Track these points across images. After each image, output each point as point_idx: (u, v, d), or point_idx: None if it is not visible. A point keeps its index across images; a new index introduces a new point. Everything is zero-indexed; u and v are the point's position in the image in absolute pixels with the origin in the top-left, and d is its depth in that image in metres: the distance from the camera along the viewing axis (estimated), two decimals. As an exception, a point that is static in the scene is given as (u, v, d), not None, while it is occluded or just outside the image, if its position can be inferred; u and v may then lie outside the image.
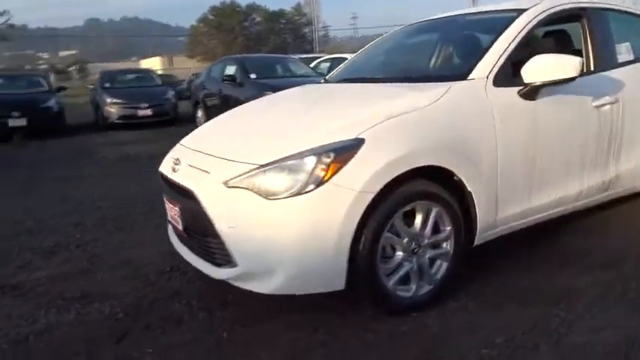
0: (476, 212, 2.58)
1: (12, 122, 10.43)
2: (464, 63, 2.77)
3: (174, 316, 2.60)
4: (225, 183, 2.29)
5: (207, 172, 2.44)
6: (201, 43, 52.26)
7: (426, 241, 2.48)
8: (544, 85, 2.70)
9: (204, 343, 2.34)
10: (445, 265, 2.57)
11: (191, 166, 2.59)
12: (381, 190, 2.24)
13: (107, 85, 12.68)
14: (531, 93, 2.73)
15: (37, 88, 11.93)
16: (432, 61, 3.49)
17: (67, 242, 3.85)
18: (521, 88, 2.71)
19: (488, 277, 2.83)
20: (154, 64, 50.14)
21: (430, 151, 2.39)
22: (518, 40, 2.80)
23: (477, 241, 2.67)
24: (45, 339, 2.45)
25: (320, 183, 2.17)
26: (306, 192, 2.17)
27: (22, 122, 10.43)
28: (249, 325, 2.47)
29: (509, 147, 2.65)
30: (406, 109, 2.46)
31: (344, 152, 2.22)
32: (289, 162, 2.22)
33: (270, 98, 3.35)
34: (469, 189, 2.52)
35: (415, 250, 2.45)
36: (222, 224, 2.29)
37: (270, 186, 2.21)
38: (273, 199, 2.18)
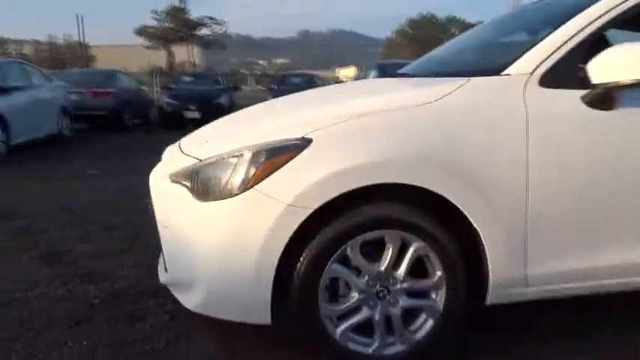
0: (487, 259, 1.85)
1: (188, 114, 11.80)
2: (505, 55, 2.02)
3: (139, 313, 2.44)
4: (170, 176, 2.01)
5: (164, 166, 2.20)
6: (394, 54, 52.94)
7: (399, 285, 1.84)
8: (627, 86, 1.81)
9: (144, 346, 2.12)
10: (430, 323, 1.89)
11: (163, 161, 2.39)
12: (324, 207, 1.72)
13: (273, 86, 13.59)
14: (604, 99, 1.86)
15: (214, 86, 13.35)
16: (477, 54, 2.69)
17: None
18: (587, 92, 1.87)
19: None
20: (349, 72, 52.78)
21: (407, 163, 1.77)
22: (591, 30, 1.93)
23: (492, 299, 1.92)
24: (19, 307, 2.51)
25: (245, 188, 1.75)
26: (232, 196, 1.77)
27: (196, 115, 11.69)
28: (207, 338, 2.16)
29: (552, 174, 1.84)
30: (390, 106, 1.87)
31: (279, 153, 1.76)
32: (222, 159, 1.85)
33: (281, 98, 2.96)
34: (475, 225, 1.81)
35: (381, 294, 1.84)
36: (159, 221, 2.03)
37: (202, 184, 1.86)
38: (203, 201, 1.84)
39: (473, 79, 1.93)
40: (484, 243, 1.83)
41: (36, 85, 8.38)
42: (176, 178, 1.97)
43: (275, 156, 1.76)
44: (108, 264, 3.10)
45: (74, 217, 4.21)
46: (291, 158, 1.74)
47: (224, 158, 1.84)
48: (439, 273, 1.85)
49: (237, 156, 1.81)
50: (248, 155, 1.79)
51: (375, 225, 1.78)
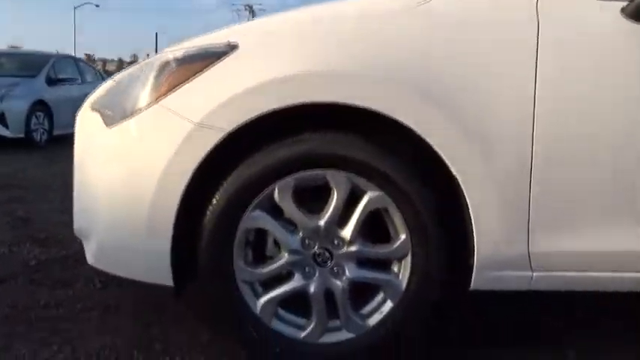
0: (472, 226, 1.33)
1: None
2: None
3: (71, 278, 2.09)
4: (91, 105, 1.66)
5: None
6: None
7: (345, 248, 1.36)
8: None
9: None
10: (389, 305, 1.38)
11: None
12: (244, 130, 1.29)
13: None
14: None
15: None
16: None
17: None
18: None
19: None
20: None
21: (365, 79, 1.29)
22: None
23: (478, 283, 1.38)
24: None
25: (149, 104, 1.36)
26: (133, 116, 1.39)
27: None
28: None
29: (571, 113, 1.31)
30: (356, 12, 1.41)
31: (193, 61, 1.35)
32: (133, 72, 1.47)
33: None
34: (456, 177, 1.31)
35: (320, 259, 1.36)
36: (75, 157, 1.67)
37: (111, 104, 1.49)
38: (110, 125, 1.46)
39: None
40: (468, 203, 1.31)
41: (87, 81, 8.55)
42: (94, 105, 1.61)
43: (188, 64, 1.35)
44: (70, 232, 2.80)
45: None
46: (206, 67, 1.33)
47: (134, 69, 1.47)
48: (403, 237, 1.34)
49: (144, 65, 1.43)
50: (157, 63, 1.40)
51: (313, 161, 1.32)
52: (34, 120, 6.93)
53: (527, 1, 1.34)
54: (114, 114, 1.44)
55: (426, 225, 1.33)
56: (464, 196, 1.31)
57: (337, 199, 1.33)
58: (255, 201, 1.32)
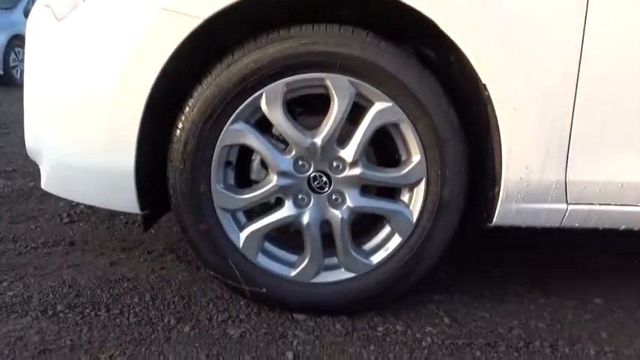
0: (500, 144, 1.09)
1: None
2: None
3: (36, 212, 1.86)
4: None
5: None
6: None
7: (347, 171, 1.12)
8: None
9: None
10: (397, 240, 1.16)
11: None
12: (221, 17, 1.03)
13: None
14: None
15: None
16: None
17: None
18: None
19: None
20: None
21: None
22: None
23: (501, 216, 1.16)
24: None
25: (104, -14, 1.08)
26: (85, 3, 1.12)
27: None
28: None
29: (625, 24, 1.05)
30: None
31: None
32: None
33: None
34: (485, 83, 1.06)
35: (316, 184, 1.14)
36: (25, 63, 1.39)
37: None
38: (61, 19, 1.18)
39: None
40: (498, 120, 1.07)
41: None
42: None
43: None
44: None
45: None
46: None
47: None
48: (416, 158, 1.11)
49: None
50: None
51: (309, 62, 1.05)
52: (12, 56, 6.53)
53: None
54: (64, 2, 1.17)
55: (444, 144, 1.09)
56: (493, 109, 1.07)
57: (338, 110, 1.08)
58: (237, 110, 1.07)
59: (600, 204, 1.17)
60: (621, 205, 1.17)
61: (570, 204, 1.15)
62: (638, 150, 1.13)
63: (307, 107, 1.19)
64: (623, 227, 1.22)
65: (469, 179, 1.14)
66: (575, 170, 1.12)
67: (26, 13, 6.88)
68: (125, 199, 1.13)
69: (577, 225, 1.20)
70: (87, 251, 1.54)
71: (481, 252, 1.65)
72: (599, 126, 1.11)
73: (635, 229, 1.22)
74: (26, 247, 1.56)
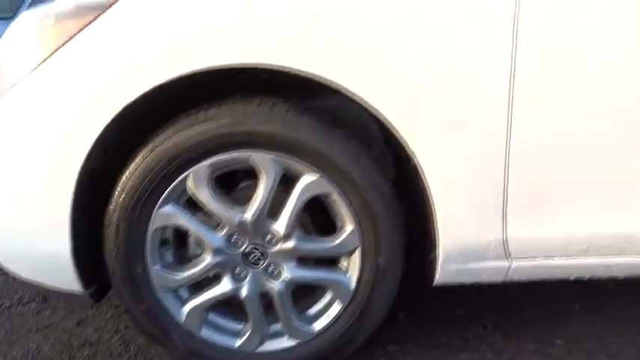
0: (434, 209, 1.07)
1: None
2: None
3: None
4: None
5: None
6: None
7: (280, 244, 1.12)
8: None
9: None
10: (338, 307, 1.16)
11: None
12: (140, 107, 1.02)
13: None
14: None
15: None
16: None
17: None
18: None
19: None
20: None
21: (273, 30, 0.98)
22: None
23: (443, 276, 1.14)
24: None
25: (29, 71, 1.08)
26: (11, 87, 1.12)
27: None
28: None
29: (561, 73, 1.01)
30: None
31: (73, 15, 1.05)
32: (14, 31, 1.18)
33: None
34: (411, 149, 1.03)
35: (252, 258, 1.13)
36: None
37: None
38: None
39: None
40: (429, 187, 1.05)
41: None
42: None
43: (67, 19, 1.06)
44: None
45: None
46: (89, 23, 1.03)
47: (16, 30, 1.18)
48: (350, 228, 1.10)
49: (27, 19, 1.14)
50: (35, 19, 1.10)
51: (230, 142, 1.05)
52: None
53: None
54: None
55: (376, 214, 1.08)
56: (423, 174, 1.05)
57: (265, 187, 1.07)
58: (165, 193, 1.08)
59: (545, 257, 1.14)
60: (567, 257, 1.15)
61: (513, 259, 1.13)
62: (578, 203, 1.10)
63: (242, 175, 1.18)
64: (574, 277, 1.19)
65: (406, 245, 1.13)
66: (514, 227, 1.09)
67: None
68: (68, 280, 1.15)
69: (524, 279, 1.18)
70: (58, 309, 1.57)
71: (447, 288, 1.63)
72: (536, 182, 1.07)
73: (586, 278, 1.19)
74: (1, 305, 1.61)
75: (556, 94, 1.02)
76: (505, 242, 1.10)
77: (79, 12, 1.05)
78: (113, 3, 1.03)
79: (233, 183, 1.15)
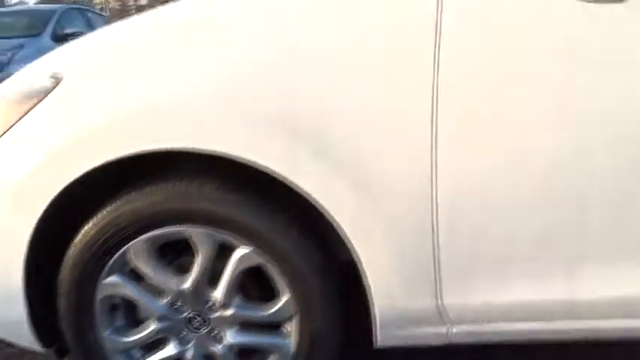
0: (367, 278, 1.08)
1: None
2: None
3: None
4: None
5: None
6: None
7: (220, 311, 1.15)
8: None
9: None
10: (282, 371, 1.19)
11: None
12: (75, 187, 1.07)
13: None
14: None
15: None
16: None
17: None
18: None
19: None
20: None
21: (192, 113, 1.01)
22: None
23: (384, 340, 1.15)
24: None
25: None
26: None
27: None
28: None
29: (486, 130, 0.99)
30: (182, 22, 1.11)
31: (15, 102, 1.11)
32: None
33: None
34: (339, 223, 1.04)
35: (195, 323, 1.17)
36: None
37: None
38: None
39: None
40: (359, 257, 1.06)
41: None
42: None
43: (9, 105, 1.12)
44: None
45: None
46: (27, 111, 1.09)
47: None
48: (285, 297, 1.12)
49: None
50: None
51: (164, 219, 1.09)
52: (45, 81, 6.88)
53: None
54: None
55: (309, 284, 1.10)
56: (352, 248, 1.06)
57: (202, 258, 1.11)
58: (107, 266, 1.13)
59: (487, 322, 1.14)
60: (509, 321, 1.13)
61: (453, 325, 1.13)
62: (513, 269, 1.08)
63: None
64: (522, 340, 1.18)
65: (342, 310, 1.14)
66: (450, 294, 1.09)
67: (55, 37, 7.21)
68: (29, 341, 1.22)
69: (468, 342, 1.18)
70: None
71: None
72: (467, 249, 1.06)
73: (526, 341, 1.18)
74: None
75: (481, 159, 1.01)
76: (441, 308, 1.10)
77: (25, 96, 1.11)
78: (58, 82, 1.09)
79: (178, 250, 1.19)
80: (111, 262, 1.12)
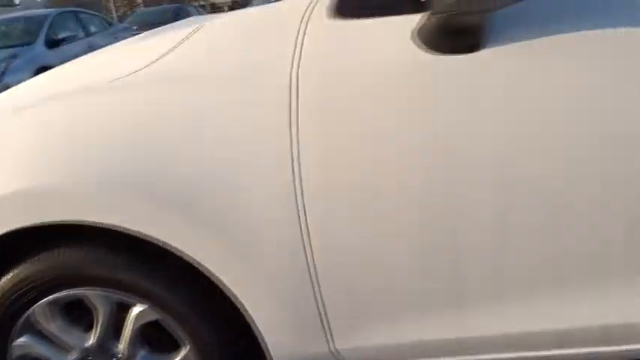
0: (257, 329, 1.10)
1: None
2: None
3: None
4: None
5: None
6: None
7: (125, 364, 1.20)
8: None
9: None
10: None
11: None
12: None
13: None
14: (460, 31, 0.91)
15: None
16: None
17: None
18: (426, 19, 0.94)
19: None
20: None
21: (75, 189, 1.03)
22: None
23: (286, 382, 1.18)
24: None
25: None
26: None
27: None
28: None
29: (348, 181, 0.99)
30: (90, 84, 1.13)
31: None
32: None
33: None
34: (222, 281, 1.06)
35: (104, 377, 1.22)
36: None
37: None
38: None
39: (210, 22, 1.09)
40: (244, 306, 1.08)
41: (92, 32, 8.39)
42: None
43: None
44: None
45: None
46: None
47: None
48: (184, 349, 1.16)
49: None
50: None
51: (61, 283, 1.13)
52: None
53: (286, 35, 1.00)
54: None
55: (204, 336, 1.13)
56: (238, 304, 1.08)
57: (102, 317, 1.15)
58: (16, 328, 1.18)
59: (387, 360, 1.15)
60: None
61: (352, 365, 1.15)
62: (399, 309, 1.09)
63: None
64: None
65: (242, 357, 1.18)
66: (340, 337, 1.11)
67: (49, 43, 7.27)
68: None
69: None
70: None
71: None
72: (349, 291, 1.06)
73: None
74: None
75: (345, 198, 1.01)
76: (334, 352, 1.12)
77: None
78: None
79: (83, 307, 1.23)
80: (19, 324, 1.17)
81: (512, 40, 0.91)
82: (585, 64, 0.90)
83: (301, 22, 1.01)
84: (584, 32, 0.89)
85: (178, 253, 1.05)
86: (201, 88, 1.02)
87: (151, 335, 1.20)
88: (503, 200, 0.97)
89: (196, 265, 1.05)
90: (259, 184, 1.00)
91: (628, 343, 1.05)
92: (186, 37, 1.10)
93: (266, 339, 1.11)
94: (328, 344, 1.11)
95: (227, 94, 1.00)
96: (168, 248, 1.04)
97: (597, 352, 1.07)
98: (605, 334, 1.03)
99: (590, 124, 0.90)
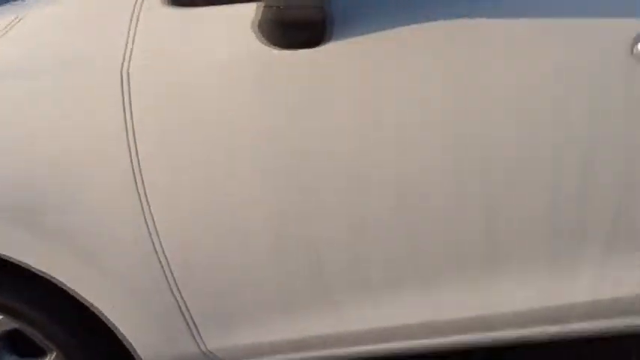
0: (117, 329, 1.07)
1: None
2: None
3: None
4: None
5: None
6: None
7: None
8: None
9: None
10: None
11: None
12: None
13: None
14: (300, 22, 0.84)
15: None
16: None
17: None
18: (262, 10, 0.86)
19: None
20: None
21: None
22: None
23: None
24: None
25: None
26: None
27: None
28: None
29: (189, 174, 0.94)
30: None
31: None
32: None
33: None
34: (69, 285, 1.01)
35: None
36: None
37: None
38: None
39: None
40: (100, 310, 1.04)
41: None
42: None
43: None
44: None
45: None
46: None
47: None
48: (51, 354, 1.12)
49: None
50: None
51: None
52: None
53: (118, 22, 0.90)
54: None
55: (69, 342, 1.10)
56: (99, 313, 1.04)
57: None
58: None
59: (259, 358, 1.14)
60: (279, 354, 1.14)
61: (229, 364, 1.14)
62: (268, 312, 1.06)
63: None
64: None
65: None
66: (211, 339, 1.08)
67: None
68: None
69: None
70: None
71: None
72: (210, 293, 1.03)
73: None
74: None
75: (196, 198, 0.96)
76: (207, 352, 1.10)
77: None
78: None
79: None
80: None
81: (354, 35, 0.85)
82: (427, 55, 0.85)
83: (133, 11, 0.91)
84: (423, 24, 0.83)
85: (25, 266, 0.99)
86: (24, 86, 0.92)
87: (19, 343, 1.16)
88: (355, 191, 0.93)
89: (50, 279, 1.00)
90: (99, 185, 0.94)
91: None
92: (5, 30, 0.98)
93: (130, 340, 1.08)
94: (198, 344, 1.09)
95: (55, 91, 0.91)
96: (21, 264, 0.99)
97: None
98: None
99: (431, 114, 0.87)
